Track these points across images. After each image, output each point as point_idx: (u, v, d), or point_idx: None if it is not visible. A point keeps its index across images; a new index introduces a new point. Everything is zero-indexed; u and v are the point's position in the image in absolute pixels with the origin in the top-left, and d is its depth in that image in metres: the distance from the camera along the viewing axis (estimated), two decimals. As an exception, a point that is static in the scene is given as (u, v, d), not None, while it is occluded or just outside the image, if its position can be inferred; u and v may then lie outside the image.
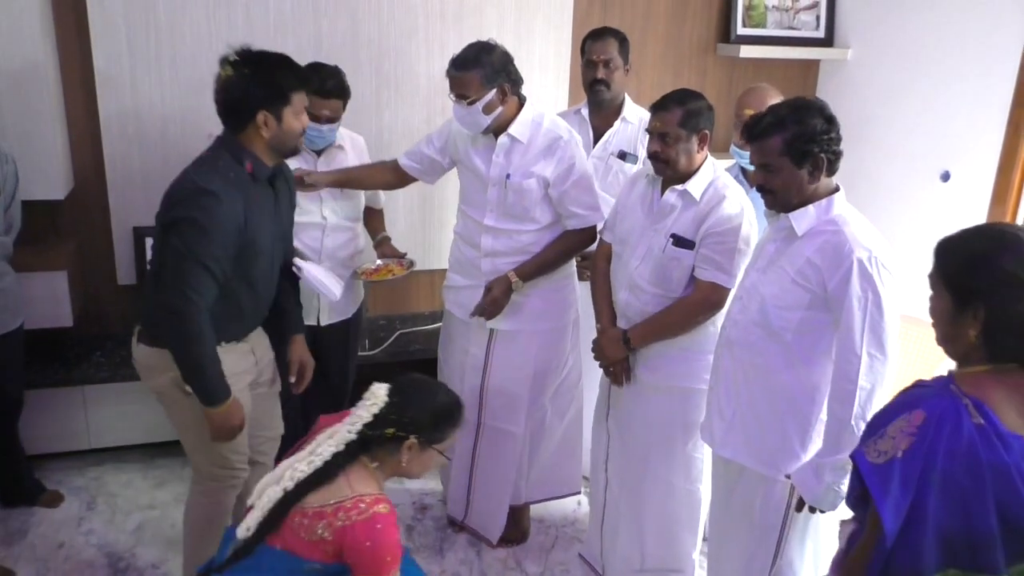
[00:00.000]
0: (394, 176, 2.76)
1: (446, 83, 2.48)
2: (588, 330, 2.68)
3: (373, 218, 2.98)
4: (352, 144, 2.80)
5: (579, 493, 3.02)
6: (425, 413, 1.80)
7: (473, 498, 2.86)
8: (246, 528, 1.73)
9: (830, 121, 1.86)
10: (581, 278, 2.81)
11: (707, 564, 2.33)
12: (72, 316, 2.97)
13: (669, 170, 2.23)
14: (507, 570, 2.82)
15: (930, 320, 1.43)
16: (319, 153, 2.69)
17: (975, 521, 1.26)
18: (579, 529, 3.01)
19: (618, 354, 2.35)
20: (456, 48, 2.48)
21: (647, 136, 2.73)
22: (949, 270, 1.36)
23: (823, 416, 1.91)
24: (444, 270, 2.86)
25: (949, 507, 1.27)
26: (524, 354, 2.67)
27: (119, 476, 3.18)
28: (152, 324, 2.12)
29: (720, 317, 2.22)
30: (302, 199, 2.61)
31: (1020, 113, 2.99)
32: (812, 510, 1.93)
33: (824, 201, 1.89)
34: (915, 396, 1.38)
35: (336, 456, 1.74)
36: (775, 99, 2.42)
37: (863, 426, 1.76)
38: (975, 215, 3.12)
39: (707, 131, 2.22)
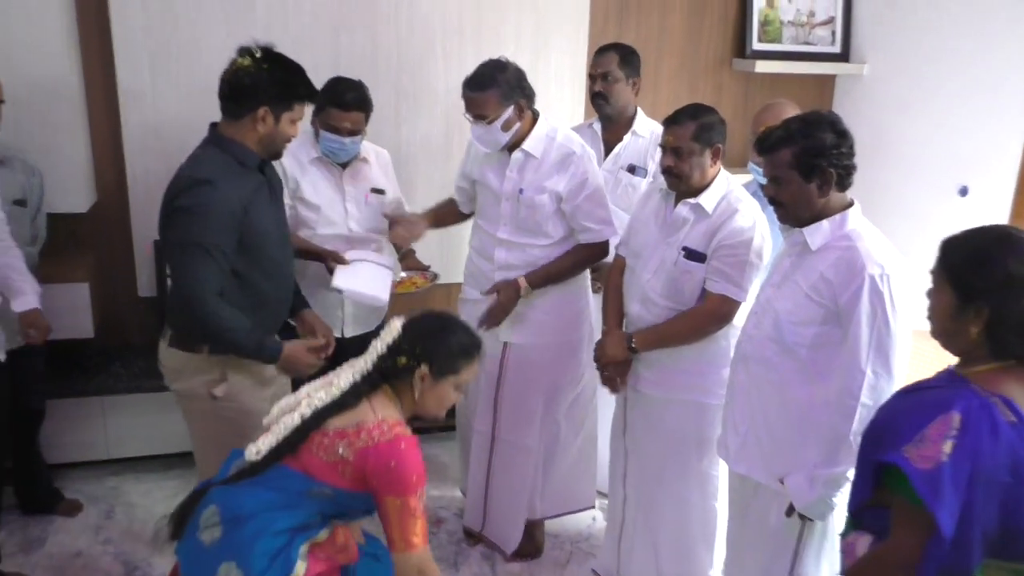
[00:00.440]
0: (460, 215, 2.85)
1: (461, 95, 2.50)
2: (603, 345, 2.69)
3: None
4: (377, 157, 2.84)
5: (593, 508, 3.01)
6: (437, 343, 1.78)
7: (490, 509, 2.86)
8: (256, 451, 1.72)
9: (841, 135, 1.86)
10: (594, 291, 2.81)
11: (723, 580, 2.32)
12: (93, 327, 3.01)
13: (682, 184, 2.24)
14: (521, 584, 2.81)
15: (927, 314, 1.46)
16: (344, 166, 2.72)
17: (1013, 515, 1.30)
18: (594, 544, 3.00)
19: (620, 354, 2.34)
20: (474, 63, 2.51)
21: (659, 150, 2.75)
22: (954, 267, 1.40)
23: None
24: (461, 284, 2.88)
25: (990, 504, 1.31)
26: (537, 368, 2.68)
27: (137, 486, 3.21)
28: (180, 327, 2.15)
29: (735, 332, 2.22)
30: (328, 211, 2.65)
31: (1038, 128, 2.98)
32: (802, 518, 1.93)
33: (838, 216, 1.89)
34: (940, 398, 1.39)
35: (355, 386, 1.74)
36: (792, 114, 2.43)
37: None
38: (994, 230, 3.09)
39: (720, 145, 2.23)
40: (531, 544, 2.90)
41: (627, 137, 2.91)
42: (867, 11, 3.80)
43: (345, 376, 1.77)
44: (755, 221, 2.21)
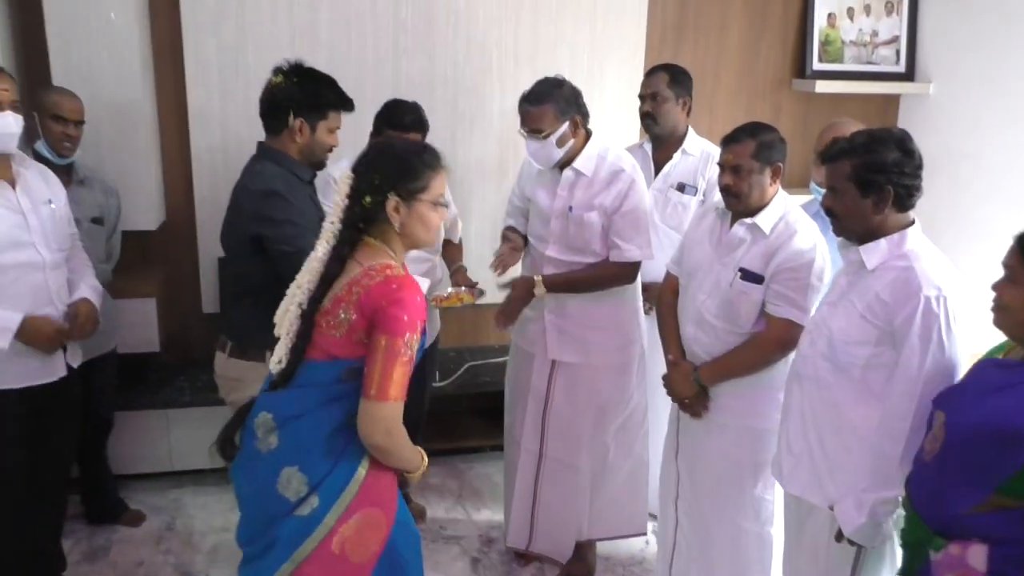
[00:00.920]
0: (523, 239, 2.82)
1: (518, 119, 2.53)
2: (654, 367, 2.66)
3: (451, 250, 3.04)
4: None
5: (644, 534, 2.96)
6: (394, 166, 1.72)
7: (536, 528, 2.84)
8: (277, 360, 1.71)
9: (907, 154, 1.82)
10: (646, 312, 2.79)
11: (779, 606, 2.26)
12: (159, 341, 3.11)
13: (740, 204, 2.21)
14: (572, 606, 2.78)
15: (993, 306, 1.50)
16: None
17: None
18: (646, 569, 2.95)
19: (687, 391, 2.32)
20: (529, 85, 2.54)
21: (708, 167, 2.69)
22: None
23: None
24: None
25: None
26: (585, 388, 2.66)
27: (197, 498, 3.28)
28: (243, 337, 2.20)
29: (790, 354, 2.18)
30: None
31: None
32: (851, 543, 1.87)
33: (897, 235, 1.85)
34: None
35: (334, 251, 1.70)
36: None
37: (908, 467, 1.75)
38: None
39: (780, 164, 2.19)
40: (583, 566, 2.87)
41: (677, 156, 2.90)
42: (933, 30, 3.72)
43: (322, 248, 1.71)
44: (815, 243, 2.16)
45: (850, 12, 3.75)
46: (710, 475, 2.38)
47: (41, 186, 2.34)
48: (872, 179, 1.81)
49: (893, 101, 3.90)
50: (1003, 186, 3.31)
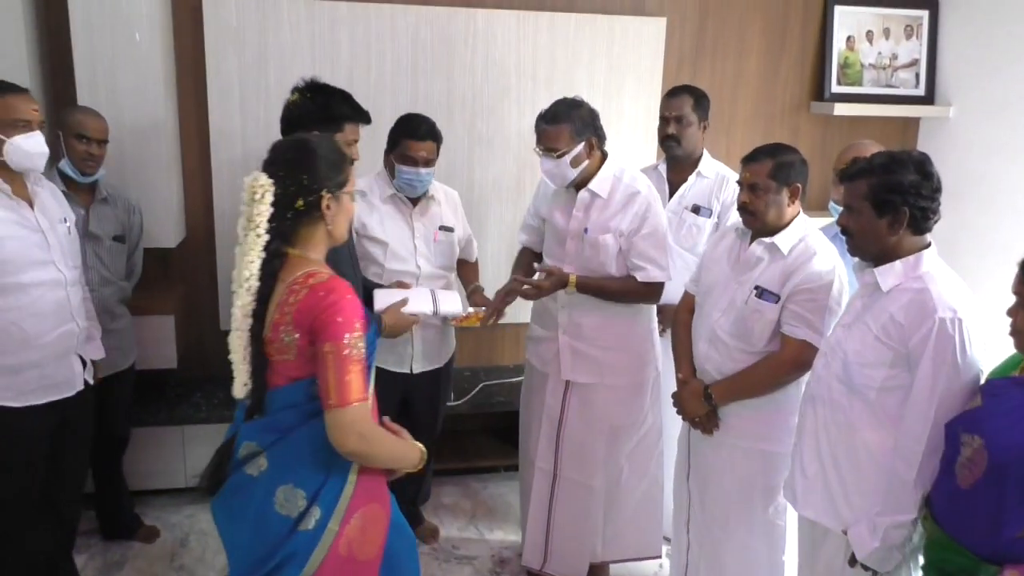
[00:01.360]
0: (531, 256, 2.84)
1: (535, 140, 2.54)
2: (669, 389, 2.64)
3: (467, 270, 3.05)
4: (446, 197, 2.90)
5: (659, 557, 2.92)
6: (317, 163, 1.68)
7: (552, 547, 2.82)
8: (242, 387, 1.68)
9: (926, 177, 1.81)
10: (660, 334, 2.78)
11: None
12: (176, 358, 3.13)
13: (757, 222, 2.21)
14: (586, 629, 2.75)
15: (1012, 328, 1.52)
16: (415, 203, 2.79)
17: None
18: (661, 593, 2.92)
19: (698, 410, 2.31)
20: (546, 107, 2.55)
21: (722, 190, 2.69)
22: None
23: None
24: (528, 323, 2.89)
25: None
26: (599, 408, 2.65)
27: (211, 515, 3.28)
28: None
29: (804, 376, 2.16)
30: (398, 248, 2.73)
31: None
32: (865, 568, 1.84)
33: (912, 258, 1.84)
34: None
35: (265, 265, 1.64)
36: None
37: (922, 490, 1.74)
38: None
39: (799, 185, 2.18)
40: (597, 586, 2.85)
41: (692, 178, 2.90)
42: (953, 53, 3.71)
43: (248, 266, 1.64)
44: (834, 265, 2.15)
45: (869, 35, 3.75)
46: (720, 497, 2.36)
47: (55, 205, 2.39)
48: (888, 199, 1.81)
49: (912, 124, 3.88)
50: (1022, 210, 3.27)
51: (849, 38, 3.73)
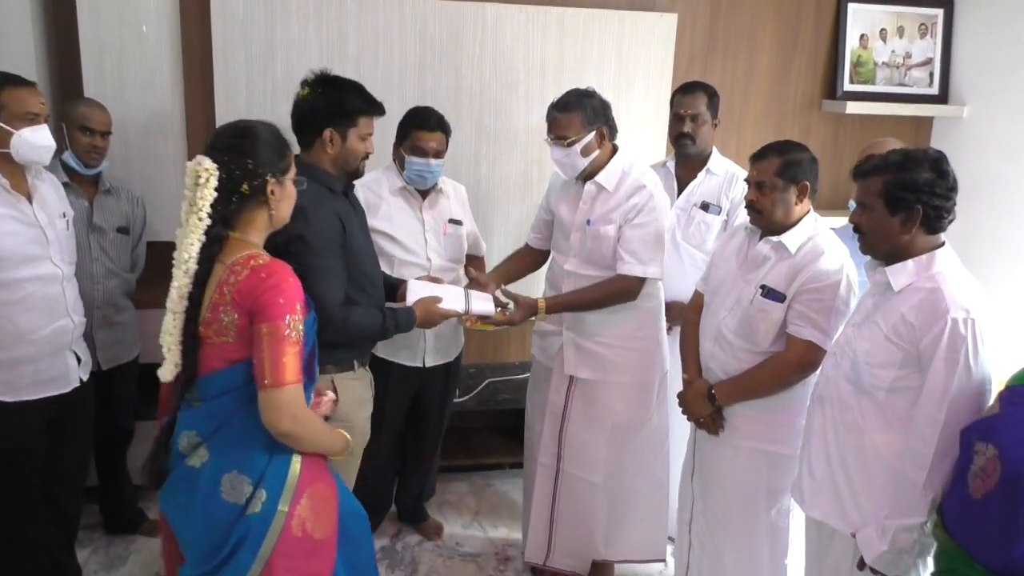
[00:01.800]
0: (533, 256, 2.83)
1: (543, 135, 2.53)
2: (677, 389, 2.62)
3: (474, 265, 3.04)
4: (454, 192, 2.90)
5: (663, 560, 2.90)
6: (261, 148, 1.70)
7: (555, 541, 2.80)
8: (173, 366, 1.67)
9: (941, 176, 1.78)
10: (669, 332, 2.76)
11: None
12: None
13: (764, 220, 2.19)
14: (589, 628, 2.73)
15: None
16: (424, 196, 2.78)
17: None
18: (665, 593, 2.90)
19: (702, 410, 2.28)
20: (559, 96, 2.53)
21: (731, 187, 2.67)
22: None
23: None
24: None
25: None
26: (602, 404, 2.63)
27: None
28: None
29: (811, 377, 2.14)
30: (409, 241, 2.72)
31: None
32: (874, 572, 1.81)
33: (925, 257, 1.81)
34: None
35: (203, 250, 1.66)
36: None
37: (932, 494, 1.71)
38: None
39: (807, 183, 2.15)
40: (601, 585, 2.83)
41: (701, 175, 2.87)
42: (968, 53, 3.67)
43: (188, 248, 1.66)
44: (842, 265, 2.12)
45: (883, 33, 3.71)
46: (723, 498, 2.34)
47: (54, 199, 2.38)
48: (901, 197, 1.78)
49: (926, 123, 3.84)
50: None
51: (862, 36, 3.69)
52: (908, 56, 3.73)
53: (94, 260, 2.67)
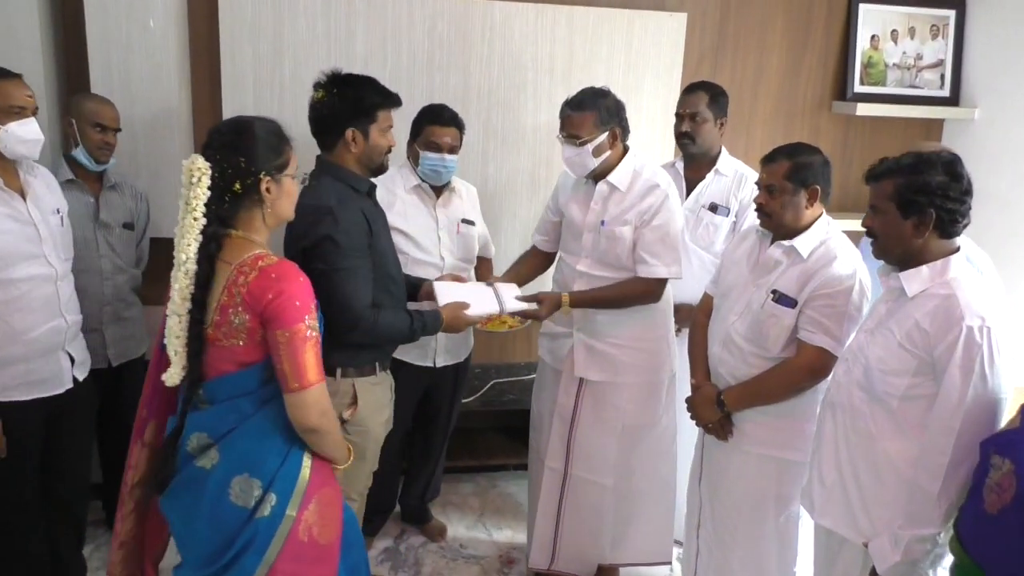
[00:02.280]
0: (541, 258, 2.81)
1: (551, 135, 2.51)
2: (685, 391, 2.60)
3: (482, 266, 3.03)
4: (467, 192, 2.91)
5: (669, 564, 2.88)
6: (255, 146, 1.67)
7: (560, 545, 2.78)
8: (177, 375, 1.65)
9: (955, 179, 1.75)
10: (678, 334, 2.74)
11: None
12: (185, 349, 3.10)
13: (773, 224, 2.17)
14: (594, 631, 2.72)
15: None
16: (438, 194, 2.77)
17: None
18: (670, 597, 2.88)
19: (711, 416, 2.26)
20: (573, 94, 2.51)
21: (740, 188, 2.65)
22: None
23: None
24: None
25: None
26: (612, 407, 2.61)
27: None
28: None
29: (821, 383, 2.11)
30: (423, 239, 2.72)
31: None
32: None
33: (939, 262, 1.78)
34: None
35: (202, 249, 1.63)
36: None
37: (947, 504, 1.68)
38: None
39: (818, 187, 2.12)
40: (606, 590, 2.81)
41: (710, 176, 2.85)
42: (979, 55, 3.64)
43: (186, 248, 1.63)
44: (855, 270, 2.09)
45: (894, 35, 3.68)
46: (731, 504, 2.31)
47: (48, 195, 2.35)
48: (914, 200, 1.76)
49: (936, 126, 3.81)
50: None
51: (873, 37, 3.66)
52: (919, 57, 3.71)
53: (102, 256, 2.66)
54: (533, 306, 2.47)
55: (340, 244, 2.03)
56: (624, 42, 3.36)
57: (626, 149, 2.53)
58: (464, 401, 3.26)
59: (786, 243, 2.15)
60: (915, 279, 1.79)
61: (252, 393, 1.67)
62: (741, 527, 2.30)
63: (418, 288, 2.45)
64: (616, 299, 2.53)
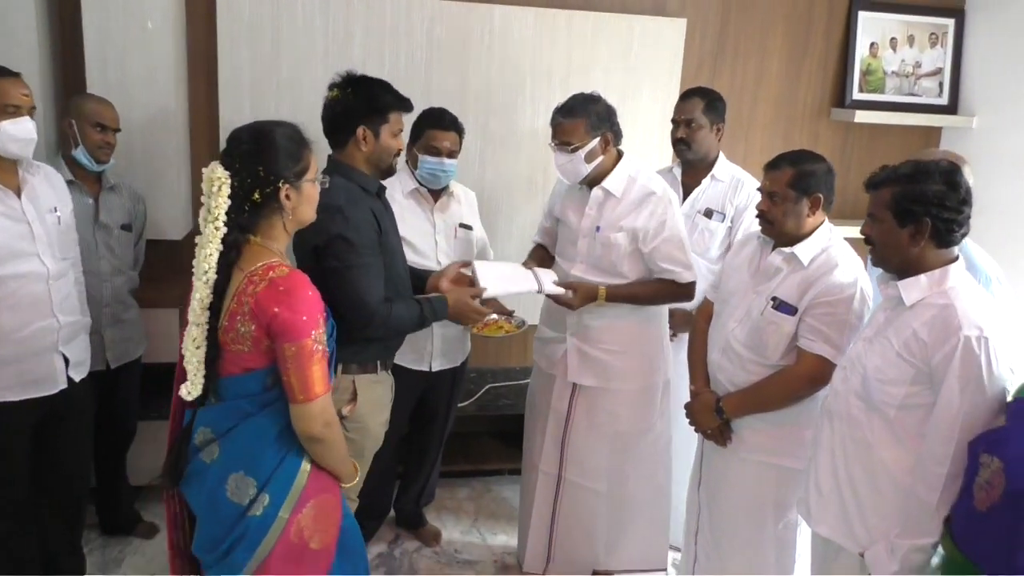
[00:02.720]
0: (544, 253, 2.80)
1: (548, 139, 2.50)
2: (680, 398, 2.59)
3: None
4: (465, 197, 2.90)
5: (664, 570, 2.87)
6: (274, 154, 1.66)
7: (555, 551, 2.78)
8: (196, 388, 1.66)
9: (952, 188, 1.75)
10: (672, 339, 2.73)
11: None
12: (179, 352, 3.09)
13: (774, 231, 2.16)
14: (588, 635, 2.70)
15: None
16: (435, 199, 2.76)
17: None
18: (666, 604, 2.87)
19: (710, 423, 2.26)
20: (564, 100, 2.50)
21: (736, 194, 2.65)
22: None
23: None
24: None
25: None
26: (605, 412, 2.61)
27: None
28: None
29: (821, 391, 2.10)
30: (420, 243, 2.71)
31: None
32: None
33: (938, 272, 1.78)
34: None
35: (222, 258, 1.63)
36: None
37: (945, 514, 1.68)
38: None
39: (820, 195, 2.12)
40: (600, 596, 2.80)
41: (706, 181, 2.85)
42: (978, 63, 3.64)
43: (206, 258, 1.63)
44: (856, 278, 2.09)
45: (893, 42, 3.68)
46: (729, 510, 2.31)
47: (48, 193, 2.33)
48: (910, 209, 1.75)
49: (934, 134, 3.81)
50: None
51: (872, 44, 3.66)
52: (918, 65, 3.71)
53: (101, 258, 2.65)
54: (570, 293, 2.46)
55: (352, 242, 2.05)
56: (623, 47, 3.36)
57: (620, 154, 2.53)
58: (459, 405, 3.24)
59: (787, 250, 2.15)
60: (913, 288, 1.79)
61: (254, 395, 1.69)
62: (739, 534, 2.29)
63: (424, 281, 2.45)
64: (651, 296, 2.54)
